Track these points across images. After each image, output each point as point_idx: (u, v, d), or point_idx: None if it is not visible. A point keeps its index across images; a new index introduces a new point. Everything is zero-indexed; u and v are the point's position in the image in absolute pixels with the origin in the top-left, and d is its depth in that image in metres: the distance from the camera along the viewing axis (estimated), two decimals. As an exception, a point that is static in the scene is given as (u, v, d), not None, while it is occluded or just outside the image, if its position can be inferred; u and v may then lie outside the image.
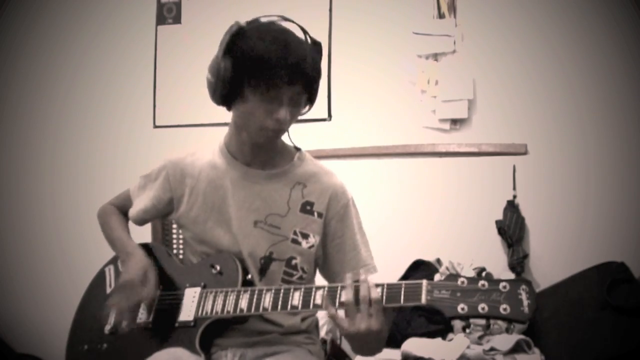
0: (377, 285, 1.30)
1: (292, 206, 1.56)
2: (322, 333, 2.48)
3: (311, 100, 1.51)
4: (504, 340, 2.15)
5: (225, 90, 1.43)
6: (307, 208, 1.56)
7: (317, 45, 1.47)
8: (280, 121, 1.44)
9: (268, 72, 1.38)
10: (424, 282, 1.27)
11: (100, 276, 1.73)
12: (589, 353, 2.20)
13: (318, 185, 1.58)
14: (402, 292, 1.28)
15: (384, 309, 1.29)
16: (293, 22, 1.48)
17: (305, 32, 1.47)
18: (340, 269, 1.57)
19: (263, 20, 1.46)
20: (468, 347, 2.16)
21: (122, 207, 1.75)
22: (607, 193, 2.55)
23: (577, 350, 2.23)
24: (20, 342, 3.33)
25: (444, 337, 2.29)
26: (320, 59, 1.49)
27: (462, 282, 1.24)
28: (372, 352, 1.38)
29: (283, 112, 1.43)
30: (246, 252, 1.54)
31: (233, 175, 1.57)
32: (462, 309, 1.21)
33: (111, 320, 1.59)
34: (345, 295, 1.29)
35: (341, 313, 1.33)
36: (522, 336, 2.18)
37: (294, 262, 1.56)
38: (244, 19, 1.45)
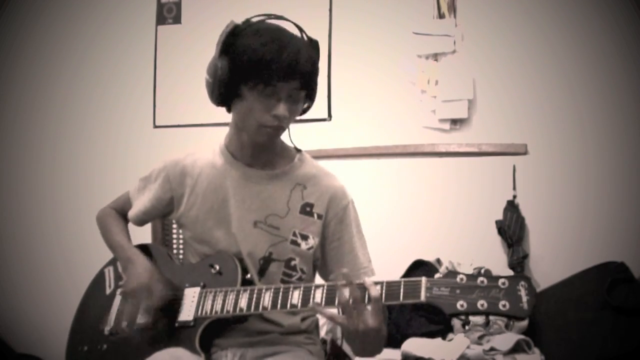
0: (376, 283, 1.30)
1: (291, 207, 1.56)
2: (322, 333, 2.48)
3: (310, 97, 1.51)
4: (504, 340, 2.15)
5: (223, 89, 1.43)
6: (306, 209, 1.56)
7: (313, 42, 1.48)
8: (279, 117, 1.43)
9: (264, 69, 1.38)
10: (424, 279, 1.27)
11: (100, 277, 1.73)
12: (589, 353, 2.20)
13: (318, 186, 1.58)
14: (402, 290, 1.28)
15: (383, 307, 1.29)
16: (289, 20, 1.49)
17: (301, 30, 1.48)
18: (337, 271, 1.57)
19: (259, 19, 1.47)
20: (468, 347, 2.16)
21: (122, 211, 1.74)
22: (607, 193, 2.55)
23: (577, 350, 2.23)
24: (20, 342, 3.32)
25: (444, 337, 2.29)
26: (317, 55, 1.49)
27: (461, 279, 1.24)
28: (373, 353, 1.38)
29: (281, 108, 1.42)
30: (245, 252, 1.54)
31: (233, 175, 1.57)
32: (462, 305, 1.21)
33: (111, 321, 1.59)
34: (340, 296, 1.29)
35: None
36: (522, 336, 2.18)
37: (293, 263, 1.55)
38: (243, 19, 1.46)
